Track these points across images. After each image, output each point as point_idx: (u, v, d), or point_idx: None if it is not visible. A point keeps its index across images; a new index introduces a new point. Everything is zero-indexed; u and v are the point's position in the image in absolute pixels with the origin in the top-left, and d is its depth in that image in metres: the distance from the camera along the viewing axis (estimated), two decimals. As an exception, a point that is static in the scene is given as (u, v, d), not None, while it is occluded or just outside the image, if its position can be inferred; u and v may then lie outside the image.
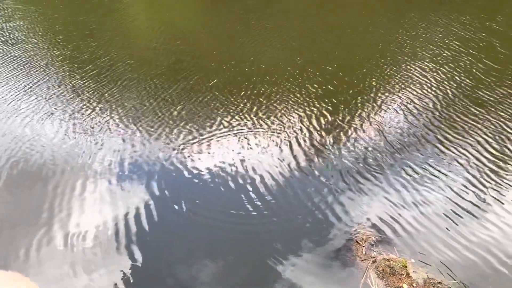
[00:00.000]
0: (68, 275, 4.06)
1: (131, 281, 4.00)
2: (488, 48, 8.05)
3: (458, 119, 5.95)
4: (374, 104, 6.47)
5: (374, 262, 3.97)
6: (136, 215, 4.70)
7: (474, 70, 7.24)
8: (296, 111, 6.41)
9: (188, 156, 5.57)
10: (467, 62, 7.57)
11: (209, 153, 5.62)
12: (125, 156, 5.65)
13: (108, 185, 5.16)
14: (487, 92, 6.54)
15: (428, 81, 7.04)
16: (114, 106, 6.88)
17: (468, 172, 4.96)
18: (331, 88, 6.98)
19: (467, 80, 6.95)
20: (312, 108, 6.46)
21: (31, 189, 5.18)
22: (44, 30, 10.64)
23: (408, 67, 7.59)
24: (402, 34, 9.03)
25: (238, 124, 6.17)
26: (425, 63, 7.69)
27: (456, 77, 7.10)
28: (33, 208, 4.86)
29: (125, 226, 4.57)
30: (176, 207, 4.78)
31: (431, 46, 8.34)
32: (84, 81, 7.79)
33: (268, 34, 9.44)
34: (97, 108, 6.85)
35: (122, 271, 4.09)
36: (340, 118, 6.19)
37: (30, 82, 7.80)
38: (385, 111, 6.30)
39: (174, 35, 9.80)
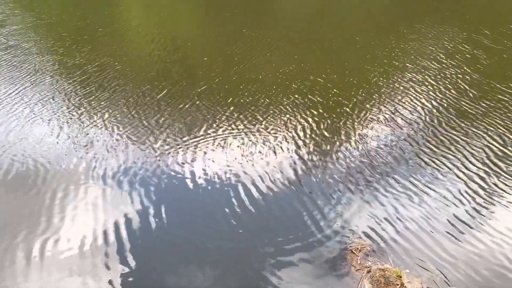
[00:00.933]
0: (55, 283, 3.96)
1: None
2: (472, 60, 8.22)
3: (444, 132, 6.02)
4: (363, 116, 6.52)
5: (368, 272, 3.95)
6: (120, 224, 4.60)
7: (459, 82, 7.39)
8: (283, 122, 6.42)
9: (174, 164, 5.52)
10: (453, 74, 7.73)
11: (196, 160, 5.58)
12: (110, 163, 5.57)
13: (92, 192, 5.07)
14: (472, 105, 6.67)
15: (416, 93, 7.14)
16: (101, 113, 6.82)
17: (461, 183, 5.00)
18: (319, 99, 7.01)
19: (453, 92, 7.08)
20: (300, 119, 6.48)
21: (15, 195, 5.07)
22: (37, 35, 10.53)
23: (396, 78, 7.69)
24: (392, 45, 9.16)
25: (226, 132, 6.15)
26: (413, 74, 7.81)
27: (442, 89, 7.22)
28: (17, 215, 4.74)
29: (110, 234, 4.48)
30: (163, 215, 4.72)
31: (420, 58, 8.48)
32: (73, 87, 7.71)
33: (259, 43, 9.49)
34: (85, 115, 6.77)
35: (109, 280, 4.00)
36: (330, 129, 6.21)
37: (20, 87, 7.70)
38: (375, 122, 6.35)
39: (168, 42, 9.79)
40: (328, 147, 5.77)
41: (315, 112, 6.62)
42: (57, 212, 4.78)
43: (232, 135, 6.09)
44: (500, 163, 5.30)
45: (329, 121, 6.37)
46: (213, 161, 5.56)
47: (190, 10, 13.30)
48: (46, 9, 12.95)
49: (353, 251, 4.15)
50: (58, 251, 4.30)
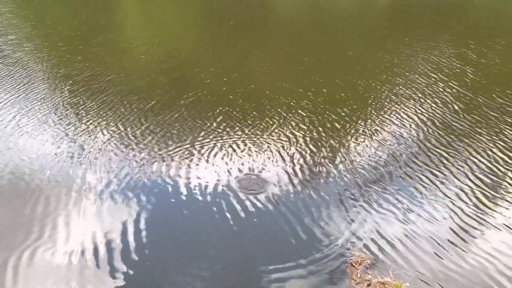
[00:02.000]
0: None
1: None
2: (460, 75, 8.38)
3: (438, 146, 6.10)
4: (359, 130, 6.58)
5: (368, 285, 3.94)
6: (117, 232, 4.55)
7: (447, 96, 7.53)
8: (273, 134, 6.44)
9: (165, 174, 5.50)
10: (440, 88, 7.87)
11: (188, 171, 5.55)
12: (100, 172, 5.53)
13: (82, 202, 5.02)
14: (459, 119, 6.78)
15: (406, 107, 7.23)
16: (90, 122, 6.82)
17: (460, 196, 5.03)
18: (307, 113, 7.07)
19: (441, 106, 7.19)
20: (289, 133, 6.51)
21: (8, 205, 4.99)
22: (32, 44, 10.48)
23: (386, 92, 7.80)
24: (383, 59, 9.29)
25: (217, 144, 6.15)
26: (402, 88, 7.92)
27: (431, 103, 7.34)
28: (13, 225, 4.66)
29: (99, 244, 4.42)
30: (159, 223, 4.68)
31: (409, 72, 8.61)
32: (63, 97, 7.70)
33: (251, 55, 9.56)
34: (74, 124, 6.75)
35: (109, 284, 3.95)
36: (322, 142, 6.24)
37: (10, 96, 7.63)
38: (372, 136, 6.40)
39: (163, 53, 9.80)
40: (324, 161, 5.79)
41: (305, 126, 6.65)
42: (47, 222, 4.70)
43: (222, 147, 6.08)
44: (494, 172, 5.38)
45: (322, 134, 6.40)
46: (213, 168, 5.54)
47: (188, 24, 13.36)
48: (44, 18, 12.93)
49: (353, 264, 4.13)
50: (48, 260, 4.21)
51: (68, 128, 6.62)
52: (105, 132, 6.52)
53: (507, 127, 6.55)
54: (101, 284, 4.00)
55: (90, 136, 6.41)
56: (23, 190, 5.22)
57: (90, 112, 7.11)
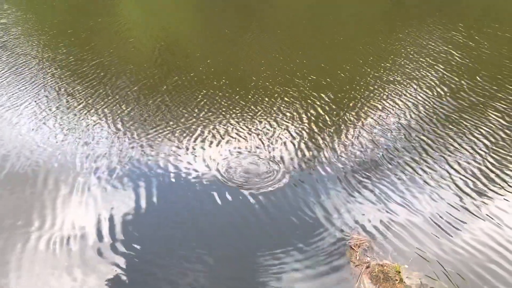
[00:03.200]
0: (51, 278, 3.82)
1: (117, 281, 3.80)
2: (451, 61, 8.45)
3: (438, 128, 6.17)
4: (360, 111, 6.57)
5: (367, 267, 3.98)
6: (118, 217, 4.49)
7: (444, 82, 7.60)
8: (272, 118, 6.39)
9: (166, 160, 5.42)
10: (427, 73, 7.92)
11: (191, 155, 5.47)
12: (102, 158, 5.45)
13: (84, 187, 4.93)
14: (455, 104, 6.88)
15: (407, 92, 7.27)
16: (93, 110, 6.65)
17: (458, 177, 5.11)
18: (304, 98, 7.02)
19: (436, 92, 7.25)
20: (287, 117, 6.47)
21: (12, 191, 4.87)
22: (35, 36, 9.96)
23: (387, 77, 7.80)
24: (381, 47, 9.26)
25: (218, 127, 6.05)
26: (390, 74, 7.94)
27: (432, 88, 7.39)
28: (16, 211, 4.58)
29: (101, 229, 4.37)
30: (161, 209, 4.64)
31: (399, 57, 8.63)
32: (62, 84, 7.49)
33: (253, 41, 9.38)
34: (79, 112, 6.61)
35: (102, 274, 3.87)
36: (324, 125, 6.22)
37: (17, 86, 7.35)
38: (372, 117, 6.40)
39: (154, 38, 9.54)
40: (319, 145, 5.77)
41: (293, 112, 6.61)
42: (50, 208, 4.61)
43: (223, 131, 5.98)
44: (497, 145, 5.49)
45: (320, 117, 6.37)
46: (212, 155, 5.48)
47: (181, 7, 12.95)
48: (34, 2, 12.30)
49: (352, 247, 4.16)
50: (50, 245, 4.15)
51: (71, 114, 6.46)
52: (108, 116, 6.40)
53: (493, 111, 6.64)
54: (100, 268, 3.95)
55: (80, 120, 6.28)
56: (19, 176, 5.10)
57: (81, 97, 6.95)
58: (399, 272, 3.90)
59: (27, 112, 6.45)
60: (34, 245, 4.15)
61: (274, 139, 5.83)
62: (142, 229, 4.37)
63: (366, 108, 6.69)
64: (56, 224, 4.40)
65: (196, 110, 6.50)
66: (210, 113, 6.41)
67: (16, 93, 7.03)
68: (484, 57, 8.58)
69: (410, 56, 8.72)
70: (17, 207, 4.62)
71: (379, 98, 7.05)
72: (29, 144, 5.67)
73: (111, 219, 4.46)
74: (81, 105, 6.67)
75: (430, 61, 8.45)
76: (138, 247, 4.16)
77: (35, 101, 6.77)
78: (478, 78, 7.64)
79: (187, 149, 5.57)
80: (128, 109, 6.49)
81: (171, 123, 6.14)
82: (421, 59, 8.54)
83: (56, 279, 3.82)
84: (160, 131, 5.95)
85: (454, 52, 8.80)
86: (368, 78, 7.70)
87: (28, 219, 4.45)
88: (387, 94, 7.18)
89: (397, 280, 3.86)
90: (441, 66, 8.17)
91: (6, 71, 7.85)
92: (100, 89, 7.11)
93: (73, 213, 4.54)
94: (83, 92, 7.07)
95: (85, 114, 6.42)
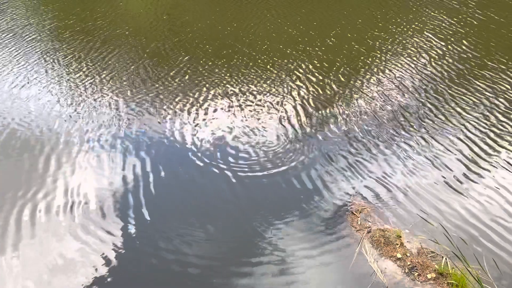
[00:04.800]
0: (47, 246, 3.97)
1: (121, 250, 3.94)
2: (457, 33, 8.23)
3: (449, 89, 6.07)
4: (362, 80, 6.50)
5: (369, 232, 4.02)
6: (124, 185, 4.61)
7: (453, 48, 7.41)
8: (286, 85, 6.37)
9: (170, 129, 5.50)
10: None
11: (200, 123, 5.54)
12: (103, 127, 5.53)
13: (84, 156, 5.05)
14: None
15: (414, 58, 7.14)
16: (99, 77, 6.70)
17: (457, 143, 5.06)
18: (309, 66, 6.96)
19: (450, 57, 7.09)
20: (293, 84, 6.44)
21: (16, 159, 5.03)
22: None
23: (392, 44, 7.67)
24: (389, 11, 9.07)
25: (235, 95, 6.09)
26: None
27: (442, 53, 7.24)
28: (20, 178, 4.72)
29: (112, 195, 4.49)
30: (166, 178, 4.73)
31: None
32: (76, 53, 7.56)
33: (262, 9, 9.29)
34: (85, 78, 6.63)
35: (110, 240, 4.01)
36: (328, 92, 6.19)
37: (19, 51, 7.54)
38: (377, 85, 6.34)
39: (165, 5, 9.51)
40: (320, 114, 5.75)
41: (298, 82, 6.57)
42: (50, 176, 4.74)
43: (243, 99, 6.03)
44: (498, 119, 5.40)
45: (326, 85, 6.33)
46: (219, 123, 5.55)
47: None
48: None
49: (354, 212, 4.20)
50: (51, 214, 4.28)
51: (72, 82, 6.56)
52: (110, 85, 6.47)
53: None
54: (102, 235, 4.08)
55: (83, 89, 6.36)
56: (23, 144, 5.25)
57: (85, 66, 6.99)
58: (400, 237, 3.93)
59: (40, 85, 6.56)
60: (37, 212, 4.30)
61: (276, 104, 5.85)
62: (146, 196, 4.48)
63: (368, 76, 6.60)
64: (58, 191, 4.54)
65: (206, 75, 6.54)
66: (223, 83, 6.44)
67: (15, 60, 7.19)
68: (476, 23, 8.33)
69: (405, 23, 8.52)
70: (19, 175, 4.77)
71: (382, 66, 6.95)
72: (27, 111, 5.83)
73: (111, 188, 4.58)
74: (78, 71, 6.77)
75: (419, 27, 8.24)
76: (142, 214, 4.28)
77: (36, 69, 6.90)
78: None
79: (195, 114, 5.63)
80: (133, 74, 6.55)
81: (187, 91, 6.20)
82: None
83: (61, 245, 3.98)
84: (166, 101, 6.02)
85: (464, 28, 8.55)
86: (377, 48, 7.59)
87: (28, 187, 4.59)
88: (387, 62, 7.07)
89: (397, 244, 3.90)
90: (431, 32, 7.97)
91: (22, 42, 7.93)
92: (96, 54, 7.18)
93: (74, 181, 4.68)
94: (75, 57, 7.17)
95: (83, 80, 6.53)
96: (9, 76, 6.72)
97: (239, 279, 3.65)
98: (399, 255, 3.81)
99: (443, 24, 8.19)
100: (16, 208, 4.34)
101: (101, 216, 4.24)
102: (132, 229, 4.12)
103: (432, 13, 8.76)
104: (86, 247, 3.94)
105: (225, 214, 4.27)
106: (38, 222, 4.19)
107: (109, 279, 3.69)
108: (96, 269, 3.76)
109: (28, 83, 6.52)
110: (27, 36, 8.12)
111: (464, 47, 7.26)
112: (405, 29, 8.18)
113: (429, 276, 3.60)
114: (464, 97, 5.94)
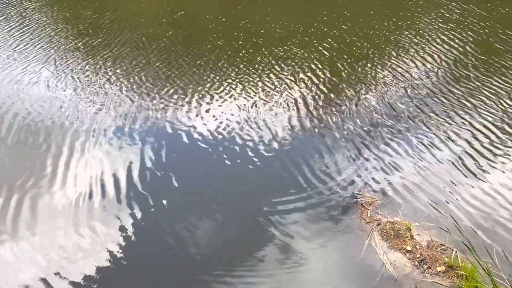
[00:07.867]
0: (54, 233, 4.02)
1: (124, 238, 3.98)
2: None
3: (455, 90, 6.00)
4: (377, 73, 6.45)
5: (378, 224, 4.03)
6: (129, 174, 4.66)
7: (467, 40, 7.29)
8: (300, 71, 6.36)
9: (176, 117, 5.57)
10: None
11: (205, 112, 5.58)
12: (110, 116, 5.60)
13: (92, 145, 5.11)
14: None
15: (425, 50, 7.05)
16: (108, 64, 6.77)
17: (469, 136, 5.02)
18: (321, 53, 6.93)
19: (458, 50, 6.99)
20: (305, 72, 6.43)
21: (20, 147, 5.11)
22: None
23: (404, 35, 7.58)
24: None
25: (239, 82, 6.11)
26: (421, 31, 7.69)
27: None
28: (23, 166, 4.79)
29: (109, 187, 4.52)
30: (163, 167, 4.78)
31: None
32: (80, 40, 7.60)
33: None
34: (92, 66, 6.69)
35: (116, 229, 4.07)
36: (343, 82, 6.16)
37: (25, 39, 7.66)
38: (390, 77, 6.29)
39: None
40: (332, 102, 5.74)
41: (319, 66, 6.55)
42: (58, 165, 4.80)
43: (237, 86, 6.05)
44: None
45: (345, 74, 6.31)
46: (226, 111, 5.57)
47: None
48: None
49: (364, 204, 4.21)
50: (58, 200, 4.34)
51: (81, 71, 6.63)
52: (118, 74, 6.55)
53: None
54: (109, 221, 4.14)
55: (109, 78, 6.43)
56: (32, 132, 5.34)
57: (107, 55, 7.10)
58: (410, 229, 3.93)
59: (32, 68, 6.73)
60: (40, 199, 4.36)
61: (290, 95, 5.85)
62: (157, 181, 4.55)
63: (380, 67, 6.55)
64: (68, 181, 4.59)
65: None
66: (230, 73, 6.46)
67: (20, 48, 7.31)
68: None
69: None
70: (25, 164, 4.82)
71: (395, 54, 6.88)
72: (33, 100, 5.94)
73: (130, 172, 4.64)
74: (88, 60, 6.85)
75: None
76: (152, 203, 4.33)
77: (42, 59, 6.99)
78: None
79: (201, 106, 5.67)
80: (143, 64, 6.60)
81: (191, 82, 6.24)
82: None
83: (73, 234, 4.04)
84: (171, 88, 6.05)
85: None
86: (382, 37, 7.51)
87: (35, 174, 4.66)
88: (406, 51, 7.00)
89: (407, 237, 3.89)
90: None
91: (27, 30, 8.05)
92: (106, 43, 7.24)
93: (93, 168, 4.75)
94: (86, 47, 7.24)
95: (93, 69, 6.58)
96: (20, 68, 6.82)
97: (246, 269, 3.68)
98: (408, 248, 3.81)
99: (470, 13, 8.07)
100: (24, 195, 4.40)
101: (111, 205, 4.29)
102: (139, 215, 4.18)
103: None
104: (94, 235, 3.98)
105: (233, 203, 4.32)
106: (45, 209, 4.25)
107: (116, 268, 3.74)
108: (104, 259, 3.80)
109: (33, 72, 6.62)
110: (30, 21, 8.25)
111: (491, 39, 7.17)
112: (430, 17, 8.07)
113: (438, 269, 3.60)
114: (481, 90, 5.88)
